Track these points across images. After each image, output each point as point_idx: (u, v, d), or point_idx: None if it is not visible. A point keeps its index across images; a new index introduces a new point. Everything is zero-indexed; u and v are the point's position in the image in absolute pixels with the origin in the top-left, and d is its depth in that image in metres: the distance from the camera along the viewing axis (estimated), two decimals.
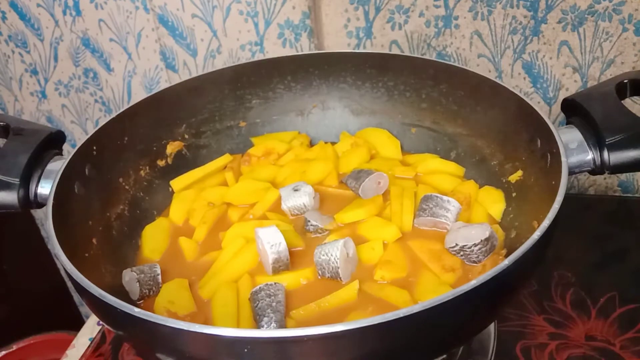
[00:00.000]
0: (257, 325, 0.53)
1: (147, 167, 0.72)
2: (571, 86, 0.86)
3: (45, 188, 0.59)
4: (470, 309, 0.43)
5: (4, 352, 1.02)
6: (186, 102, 0.74)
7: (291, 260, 0.59)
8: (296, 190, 0.66)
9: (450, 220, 0.63)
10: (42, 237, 1.31)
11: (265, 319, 0.52)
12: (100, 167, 0.64)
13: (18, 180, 0.58)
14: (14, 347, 1.03)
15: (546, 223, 0.46)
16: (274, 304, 0.53)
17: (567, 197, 0.48)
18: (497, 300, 0.48)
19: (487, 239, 0.57)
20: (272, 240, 0.57)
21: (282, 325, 0.52)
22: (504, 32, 0.83)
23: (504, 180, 0.66)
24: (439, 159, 0.73)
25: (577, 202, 0.89)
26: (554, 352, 0.66)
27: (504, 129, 0.65)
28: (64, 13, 1.00)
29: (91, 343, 0.76)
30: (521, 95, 0.61)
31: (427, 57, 0.83)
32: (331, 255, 0.56)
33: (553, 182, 0.52)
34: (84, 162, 0.62)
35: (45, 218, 0.63)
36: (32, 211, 1.29)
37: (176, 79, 0.96)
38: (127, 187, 0.69)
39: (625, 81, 0.59)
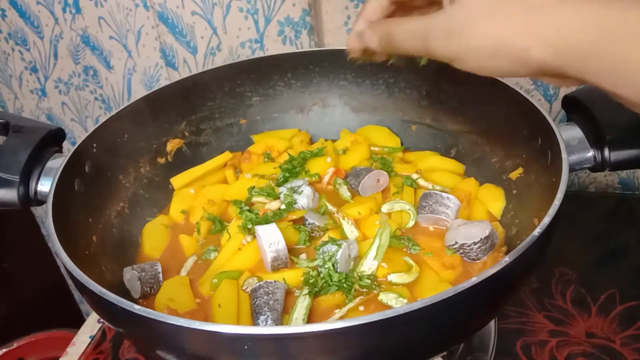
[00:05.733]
0: (254, 322, 0.53)
1: (147, 165, 0.72)
2: None
3: (45, 185, 0.59)
4: (470, 306, 0.43)
5: (4, 350, 1.02)
6: (186, 99, 0.74)
7: (290, 257, 0.59)
8: (295, 192, 0.66)
9: (450, 216, 0.62)
10: (42, 235, 1.31)
11: (262, 317, 0.52)
12: (100, 164, 0.64)
13: (18, 177, 0.58)
14: (15, 345, 1.03)
15: (547, 220, 0.46)
16: (271, 302, 0.53)
17: (568, 195, 0.48)
18: (497, 298, 0.48)
19: (487, 237, 0.57)
20: (270, 239, 0.57)
21: (278, 324, 0.52)
22: None
23: (504, 178, 0.66)
24: (439, 157, 0.73)
25: (578, 200, 0.89)
26: (554, 349, 0.66)
27: (504, 126, 0.65)
28: (64, 11, 1.00)
29: (91, 341, 0.76)
30: (522, 92, 0.61)
31: None
32: (332, 253, 0.56)
33: (554, 179, 0.52)
34: (84, 160, 0.62)
35: (45, 215, 0.63)
36: (32, 209, 1.29)
37: (176, 77, 0.96)
38: (127, 184, 0.69)
39: None
